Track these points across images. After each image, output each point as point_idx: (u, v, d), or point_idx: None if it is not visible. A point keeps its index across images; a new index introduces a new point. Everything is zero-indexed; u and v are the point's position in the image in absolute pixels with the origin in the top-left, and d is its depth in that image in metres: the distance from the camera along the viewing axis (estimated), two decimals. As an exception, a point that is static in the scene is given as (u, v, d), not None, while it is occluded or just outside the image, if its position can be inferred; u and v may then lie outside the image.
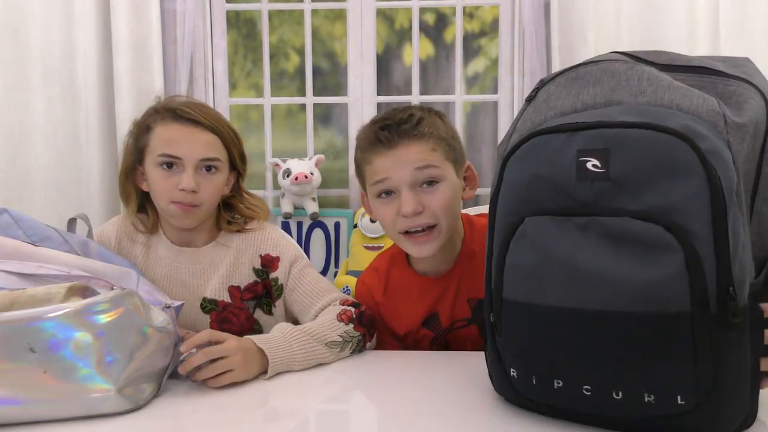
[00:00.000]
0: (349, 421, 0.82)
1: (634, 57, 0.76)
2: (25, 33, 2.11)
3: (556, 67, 2.07)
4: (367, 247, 2.08)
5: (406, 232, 1.05)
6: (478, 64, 2.41)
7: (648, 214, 0.63)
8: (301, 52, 2.38)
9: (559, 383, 0.69)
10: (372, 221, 2.07)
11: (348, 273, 2.08)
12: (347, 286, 2.00)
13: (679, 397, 0.63)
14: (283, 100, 2.40)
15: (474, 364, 0.93)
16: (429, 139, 1.05)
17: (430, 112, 1.11)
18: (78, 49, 2.12)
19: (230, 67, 2.37)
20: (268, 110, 2.38)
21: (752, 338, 0.65)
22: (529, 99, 0.80)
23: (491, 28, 2.37)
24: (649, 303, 0.62)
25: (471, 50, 2.39)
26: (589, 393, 0.67)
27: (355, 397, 0.90)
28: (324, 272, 2.21)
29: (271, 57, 2.37)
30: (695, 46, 2.01)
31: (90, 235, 1.07)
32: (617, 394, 0.65)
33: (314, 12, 2.37)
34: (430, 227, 1.04)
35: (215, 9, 2.33)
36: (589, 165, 0.66)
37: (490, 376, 0.81)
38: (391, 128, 1.05)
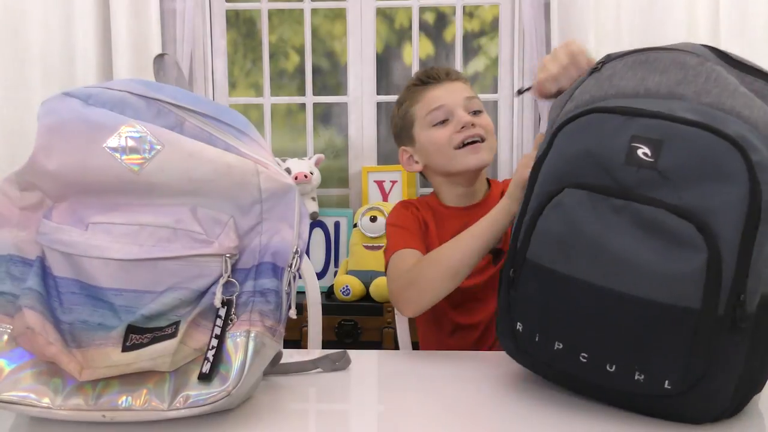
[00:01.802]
0: (349, 421, 0.82)
1: (711, 49, 0.76)
2: (25, 33, 2.11)
3: (556, 67, 2.07)
4: (366, 247, 2.08)
5: (463, 145, 1.20)
6: (478, 64, 2.41)
7: (684, 210, 0.65)
8: (300, 52, 2.38)
9: (559, 345, 0.73)
10: (372, 220, 2.07)
11: (348, 273, 2.08)
12: (347, 286, 2.00)
13: (666, 382, 0.67)
14: (283, 100, 2.40)
15: (470, 364, 0.93)
16: (463, 80, 1.29)
17: None
18: (78, 49, 2.12)
19: (230, 67, 2.37)
20: (268, 110, 2.38)
21: (753, 346, 0.67)
22: (593, 70, 0.81)
23: (491, 28, 2.37)
24: (663, 293, 0.65)
25: (471, 50, 2.38)
26: (585, 360, 0.71)
27: (355, 397, 0.91)
28: (324, 272, 2.21)
29: (271, 56, 2.37)
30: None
31: (179, 75, 0.97)
32: (611, 367, 0.69)
33: (314, 11, 2.37)
34: (483, 139, 1.21)
35: (215, 8, 2.33)
36: (639, 152, 0.68)
37: (497, 326, 0.84)
38: (438, 71, 1.27)
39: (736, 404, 0.72)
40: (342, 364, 0.95)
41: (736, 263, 0.63)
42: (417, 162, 1.29)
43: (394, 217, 1.29)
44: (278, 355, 0.88)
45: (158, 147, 0.72)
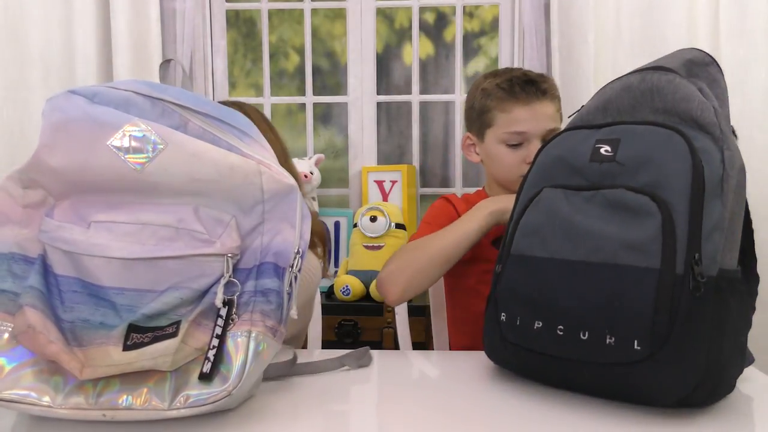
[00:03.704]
0: (349, 421, 0.82)
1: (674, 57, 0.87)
2: (25, 33, 2.11)
3: (556, 67, 2.07)
4: (366, 247, 2.08)
5: None
6: (478, 64, 2.41)
7: (640, 188, 0.75)
8: (300, 52, 2.38)
9: (538, 324, 0.79)
10: (372, 220, 2.07)
11: (348, 273, 2.08)
12: (347, 286, 2.00)
13: (635, 342, 0.71)
14: (283, 100, 2.41)
15: (471, 363, 0.93)
16: (556, 101, 1.26)
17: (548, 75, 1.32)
18: (78, 48, 2.12)
19: (230, 67, 2.38)
20: (268, 110, 2.38)
21: (719, 325, 0.72)
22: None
23: (491, 28, 2.37)
24: (626, 257, 0.73)
25: (471, 49, 2.39)
26: (561, 333, 0.76)
27: (355, 397, 0.91)
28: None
29: (271, 56, 2.37)
30: (695, 46, 2.00)
31: (185, 79, 0.95)
32: (584, 335, 0.75)
33: (314, 11, 2.37)
34: None
35: (215, 8, 2.33)
36: (602, 150, 0.80)
37: (484, 335, 0.89)
38: (534, 84, 1.23)
39: (710, 388, 0.73)
40: (365, 362, 0.96)
41: (688, 226, 0.72)
42: (477, 154, 1.33)
43: (426, 214, 1.34)
44: (294, 357, 0.89)
45: (161, 146, 0.72)
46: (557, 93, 1.27)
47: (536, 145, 1.21)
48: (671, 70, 0.82)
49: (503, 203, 1.15)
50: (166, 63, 0.86)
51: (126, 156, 0.71)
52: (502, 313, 0.84)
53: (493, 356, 0.89)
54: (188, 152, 0.72)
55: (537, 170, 0.88)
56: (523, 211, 0.86)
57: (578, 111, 0.92)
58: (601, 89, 0.90)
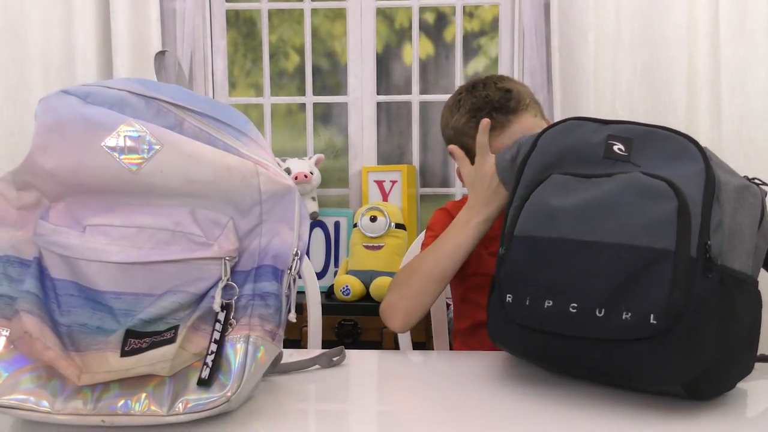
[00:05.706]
0: (349, 421, 0.82)
1: None
2: (25, 33, 2.11)
3: (556, 67, 2.07)
4: (366, 247, 2.08)
5: None
6: (478, 64, 2.41)
7: (656, 175, 0.77)
8: (300, 52, 2.38)
9: (549, 303, 0.79)
10: (372, 220, 2.07)
11: (348, 273, 2.08)
12: (347, 286, 2.00)
13: (652, 316, 0.73)
14: (283, 100, 2.41)
15: (471, 364, 0.93)
16: (530, 107, 1.17)
17: (511, 81, 1.21)
18: (78, 49, 2.12)
19: (230, 67, 2.38)
20: (268, 110, 2.38)
21: (724, 316, 0.75)
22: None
23: (491, 28, 2.37)
24: (643, 238, 0.75)
25: (471, 49, 2.39)
26: (575, 311, 0.77)
27: (355, 397, 0.91)
28: (324, 272, 2.21)
29: (271, 56, 2.37)
30: (695, 46, 2.01)
31: (180, 73, 0.93)
32: (600, 312, 0.75)
33: (314, 11, 2.37)
34: None
35: (215, 8, 2.33)
36: (615, 147, 0.82)
37: (488, 318, 0.89)
38: (500, 110, 1.14)
39: (718, 373, 0.75)
40: (339, 360, 0.95)
41: (701, 215, 0.74)
42: None
43: (429, 222, 1.31)
44: (279, 356, 0.88)
45: (157, 147, 0.71)
46: (527, 98, 1.17)
47: None
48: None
49: (490, 209, 1.09)
50: (161, 54, 0.85)
51: (121, 157, 0.70)
52: (508, 295, 0.84)
53: (496, 338, 0.89)
54: (185, 153, 0.71)
55: (541, 155, 0.88)
56: (528, 195, 0.85)
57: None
58: None
